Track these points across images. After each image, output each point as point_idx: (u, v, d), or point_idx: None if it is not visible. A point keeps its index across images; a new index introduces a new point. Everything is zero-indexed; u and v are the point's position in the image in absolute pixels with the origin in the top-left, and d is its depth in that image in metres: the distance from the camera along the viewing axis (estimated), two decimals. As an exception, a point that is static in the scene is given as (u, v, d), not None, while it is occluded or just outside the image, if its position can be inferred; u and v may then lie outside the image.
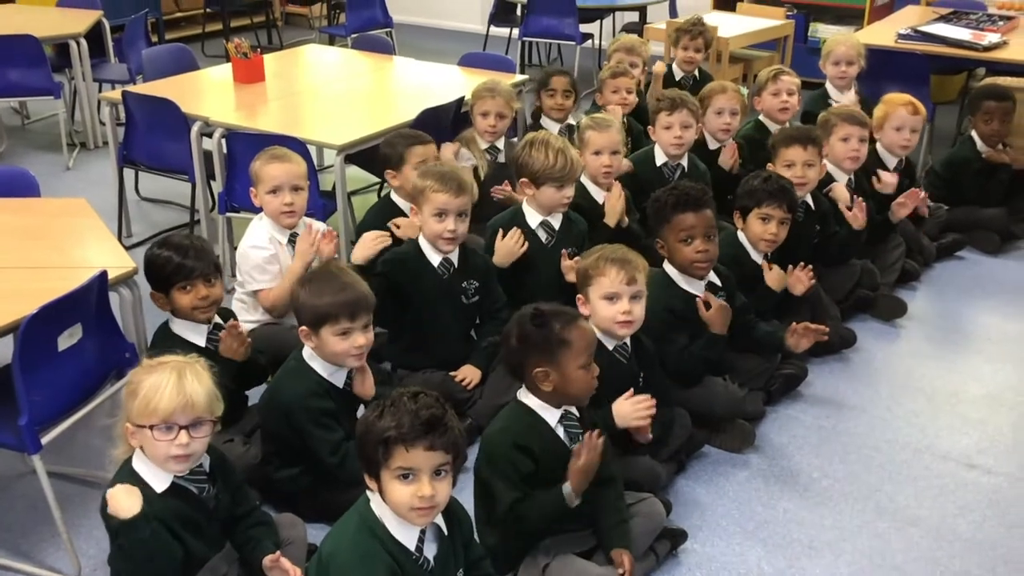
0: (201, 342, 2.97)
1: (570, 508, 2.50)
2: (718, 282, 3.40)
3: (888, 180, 4.44)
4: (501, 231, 3.54)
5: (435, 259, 3.38)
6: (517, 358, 2.56)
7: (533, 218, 3.64)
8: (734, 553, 2.85)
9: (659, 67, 5.38)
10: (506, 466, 2.49)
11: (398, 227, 3.56)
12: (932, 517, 3.00)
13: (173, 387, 2.18)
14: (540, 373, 2.51)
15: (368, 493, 2.12)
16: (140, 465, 2.27)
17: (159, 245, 2.94)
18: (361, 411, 2.81)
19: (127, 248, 4.74)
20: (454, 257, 3.40)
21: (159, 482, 2.27)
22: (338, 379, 2.84)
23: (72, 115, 6.55)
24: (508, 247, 3.51)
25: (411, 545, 2.08)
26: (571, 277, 3.45)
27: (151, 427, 2.19)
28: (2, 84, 5.67)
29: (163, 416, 2.18)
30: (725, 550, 2.86)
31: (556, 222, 3.66)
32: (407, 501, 2.01)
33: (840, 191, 4.21)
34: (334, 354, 2.78)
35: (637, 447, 2.98)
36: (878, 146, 4.57)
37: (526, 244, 3.50)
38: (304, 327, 2.77)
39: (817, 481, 3.17)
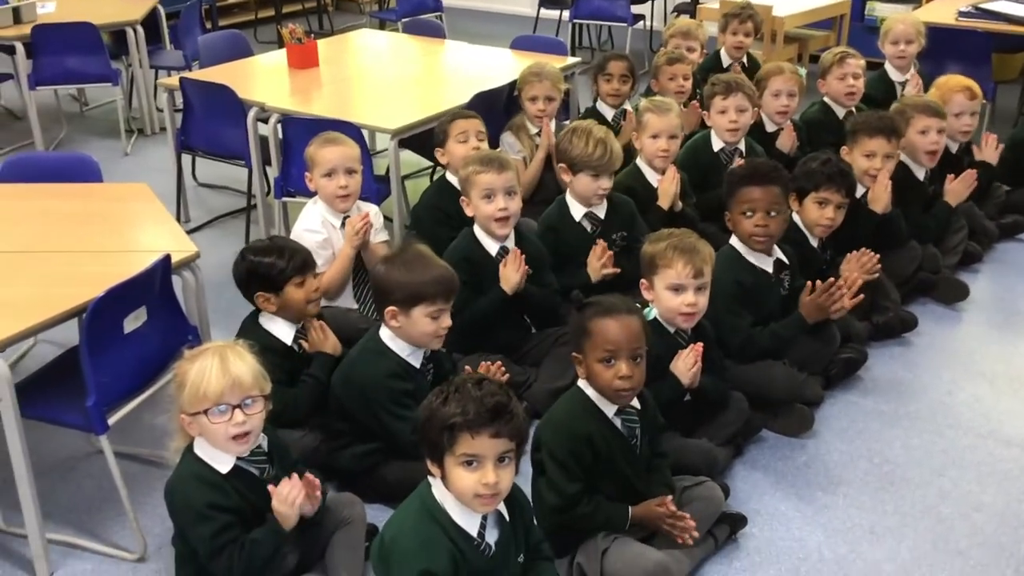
0: (288, 341, 3.02)
1: (626, 526, 2.55)
2: (786, 260, 3.38)
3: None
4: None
5: (493, 248, 3.38)
6: (572, 339, 2.60)
7: (577, 210, 3.66)
8: (794, 538, 2.82)
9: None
10: (566, 456, 2.49)
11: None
12: (996, 503, 2.96)
13: (218, 369, 2.24)
14: (576, 358, 2.54)
15: (430, 479, 2.12)
16: (202, 450, 2.32)
17: (254, 253, 3.01)
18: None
19: (186, 233, 4.90)
20: (510, 243, 3.39)
21: (223, 464, 2.31)
22: (415, 360, 2.87)
23: (129, 101, 6.65)
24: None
25: (473, 531, 2.09)
26: (597, 277, 3.54)
27: (205, 412, 2.24)
28: (61, 71, 5.76)
29: (214, 398, 2.23)
30: (785, 535, 2.84)
31: (601, 211, 3.66)
32: (471, 488, 2.02)
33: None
34: (423, 334, 2.80)
35: (693, 426, 3.00)
36: None
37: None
38: (392, 306, 2.77)
39: (878, 466, 3.13)
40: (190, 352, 2.32)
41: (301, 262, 2.98)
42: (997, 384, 3.56)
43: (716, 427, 3.07)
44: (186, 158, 5.11)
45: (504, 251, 3.38)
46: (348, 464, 2.92)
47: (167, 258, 2.80)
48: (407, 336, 2.83)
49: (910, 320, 3.87)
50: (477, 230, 3.39)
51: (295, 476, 2.38)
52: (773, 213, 3.24)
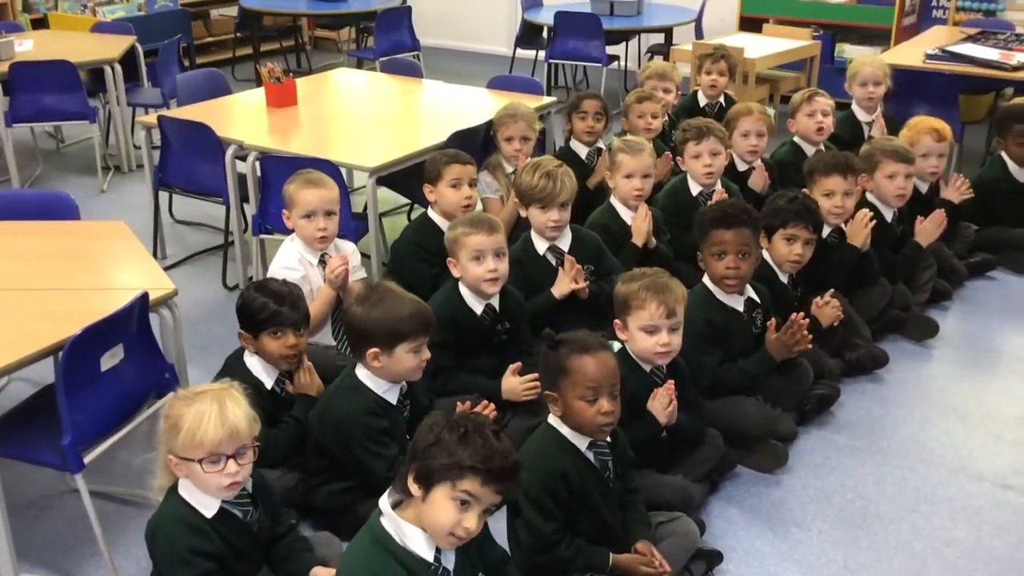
0: (269, 384, 3.02)
1: (607, 570, 2.57)
2: (757, 299, 3.42)
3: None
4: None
5: (478, 307, 3.38)
6: (542, 378, 2.62)
7: (541, 244, 3.72)
8: (769, 574, 2.84)
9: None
10: (541, 494, 2.50)
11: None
12: (968, 538, 2.99)
13: (216, 418, 2.20)
14: (550, 396, 2.55)
15: (382, 505, 2.13)
16: (187, 492, 2.30)
17: (256, 288, 3.02)
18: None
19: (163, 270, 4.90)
20: (495, 302, 3.41)
21: (208, 508, 2.29)
22: (392, 396, 2.89)
23: (107, 139, 6.66)
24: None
25: (429, 556, 2.09)
26: (564, 290, 3.59)
27: (199, 461, 2.22)
28: (38, 109, 5.77)
29: (210, 449, 2.21)
30: (760, 571, 2.85)
31: (564, 244, 3.71)
32: (449, 525, 2.03)
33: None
34: (405, 370, 2.83)
35: (668, 463, 3.03)
36: None
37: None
38: (375, 348, 2.78)
39: (851, 502, 3.16)
40: (185, 393, 2.30)
41: (284, 316, 2.94)
42: (968, 420, 3.61)
43: (691, 464, 3.09)
44: (164, 195, 5.11)
45: (489, 310, 3.40)
46: (325, 502, 2.92)
47: (144, 296, 2.81)
48: (390, 374, 2.85)
49: (881, 357, 3.92)
50: (462, 288, 3.39)
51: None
52: (744, 255, 3.29)
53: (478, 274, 3.31)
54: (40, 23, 8.30)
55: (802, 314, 3.31)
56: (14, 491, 2.99)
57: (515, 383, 3.32)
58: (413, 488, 2.06)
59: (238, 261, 4.64)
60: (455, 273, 3.38)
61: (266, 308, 2.95)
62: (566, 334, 2.62)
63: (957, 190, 4.60)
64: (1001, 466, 3.34)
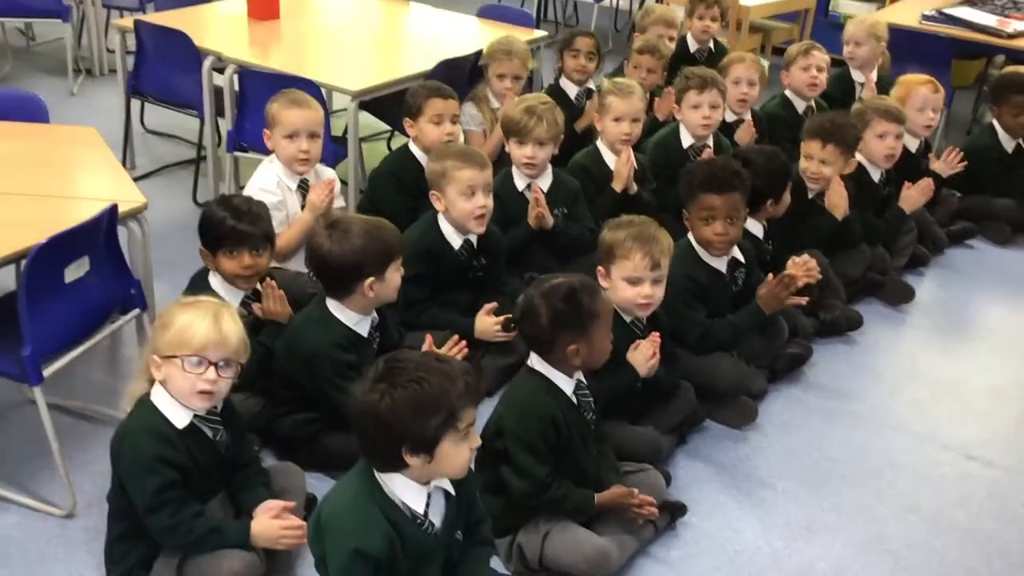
0: (235, 304, 2.91)
1: (594, 512, 2.58)
2: (741, 258, 3.38)
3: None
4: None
5: (456, 242, 3.32)
6: (547, 336, 2.52)
7: (520, 181, 3.66)
8: (731, 530, 2.84)
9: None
10: (535, 439, 2.48)
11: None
12: (930, 506, 3.00)
13: (210, 323, 2.21)
14: (572, 350, 2.50)
15: None
16: (161, 400, 2.26)
17: (218, 203, 2.92)
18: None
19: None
20: (473, 237, 3.34)
21: (179, 419, 2.26)
22: (363, 328, 2.84)
23: (79, 40, 6.43)
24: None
25: (419, 508, 2.05)
26: (533, 223, 3.56)
27: (182, 358, 2.19)
28: (9, 3, 5.58)
29: (196, 348, 2.20)
30: (722, 526, 2.85)
31: (544, 184, 3.66)
32: (466, 460, 2.04)
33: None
34: (392, 291, 2.82)
35: (639, 414, 3.00)
36: None
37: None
38: (371, 276, 2.73)
39: (817, 463, 3.16)
40: (185, 298, 2.32)
41: (240, 234, 2.82)
42: (936, 388, 3.62)
43: (662, 416, 3.07)
44: (135, 104, 4.95)
45: (467, 245, 3.33)
46: (289, 431, 2.87)
47: (114, 208, 2.72)
48: (377, 301, 2.82)
49: (856, 319, 3.90)
50: (442, 222, 3.31)
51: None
52: (733, 220, 3.23)
53: (468, 210, 3.23)
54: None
55: (798, 272, 3.29)
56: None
57: (489, 323, 3.27)
58: (413, 462, 1.98)
59: (210, 177, 4.52)
60: (438, 207, 3.29)
61: (223, 224, 2.84)
62: (567, 280, 2.54)
63: (948, 164, 4.55)
64: (967, 436, 3.35)
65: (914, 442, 3.30)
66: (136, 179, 4.70)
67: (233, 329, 2.25)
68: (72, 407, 3.05)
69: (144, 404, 2.28)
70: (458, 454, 1.99)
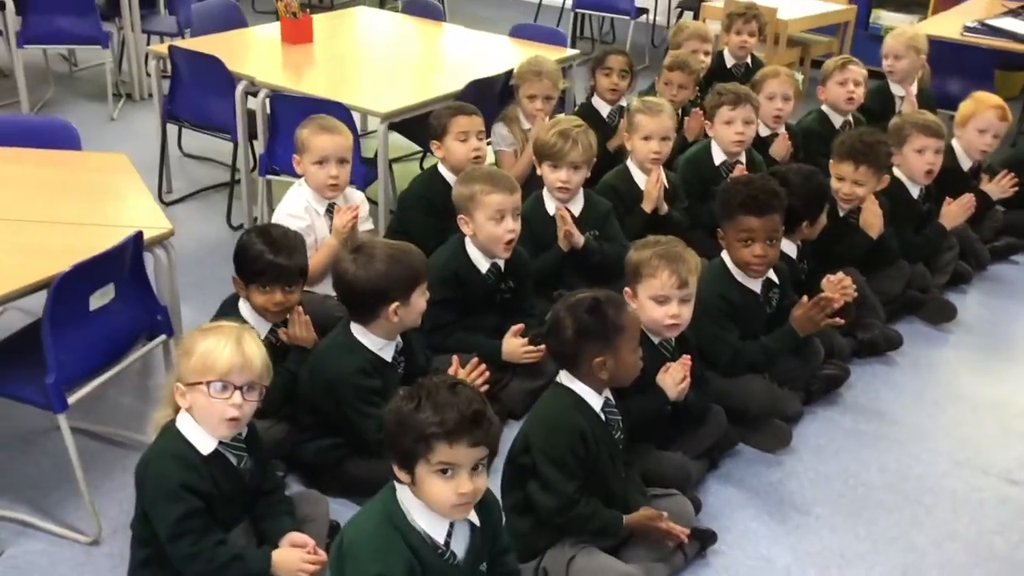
0: (263, 332, 2.93)
1: (622, 533, 2.55)
2: (776, 279, 3.32)
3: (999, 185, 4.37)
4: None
5: (484, 266, 3.30)
6: (572, 349, 2.51)
7: (551, 204, 3.62)
8: (763, 557, 2.77)
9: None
10: (564, 454, 2.45)
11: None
12: (969, 533, 2.91)
13: (233, 347, 2.22)
14: (599, 362, 2.48)
15: (395, 483, 2.06)
16: (186, 427, 2.26)
17: (258, 233, 2.91)
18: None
19: (166, 204, 4.83)
20: (501, 262, 3.32)
21: (204, 446, 2.26)
22: (387, 353, 2.82)
23: (119, 65, 6.54)
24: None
25: (440, 538, 2.03)
26: (564, 245, 3.52)
27: (207, 384, 2.20)
28: (51, 31, 5.65)
29: (221, 373, 2.20)
30: (754, 554, 2.79)
31: (576, 208, 3.62)
32: (448, 498, 1.96)
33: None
34: (417, 315, 2.82)
35: (668, 438, 2.95)
36: (955, 143, 4.43)
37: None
38: (396, 302, 2.72)
39: (853, 488, 3.08)
40: (205, 324, 2.33)
41: (277, 271, 2.82)
42: (979, 410, 3.52)
43: (693, 440, 3.02)
44: (173, 128, 5.01)
45: (495, 268, 3.30)
46: (313, 457, 2.86)
47: (139, 235, 2.73)
48: (402, 326, 2.81)
49: (895, 338, 3.81)
50: (469, 246, 3.29)
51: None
52: (772, 241, 3.17)
53: (496, 234, 3.21)
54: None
55: (833, 294, 3.21)
56: (0, 424, 2.95)
57: (516, 345, 3.24)
58: (402, 477, 1.99)
59: (243, 200, 4.55)
60: (466, 231, 3.27)
61: (261, 258, 2.83)
62: (592, 293, 2.53)
63: (1001, 187, 4.40)
64: (1008, 459, 3.25)
65: (954, 466, 3.21)
66: (172, 203, 4.84)
67: (256, 352, 2.26)
68: (101, 432, 3.06)
69: (169, 431, 2.28)
70: (436, 490, 1.95)
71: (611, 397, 2.60)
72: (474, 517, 2.10)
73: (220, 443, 2.29)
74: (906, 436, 3.35)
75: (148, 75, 6.02)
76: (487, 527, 2.15)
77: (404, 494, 2.04)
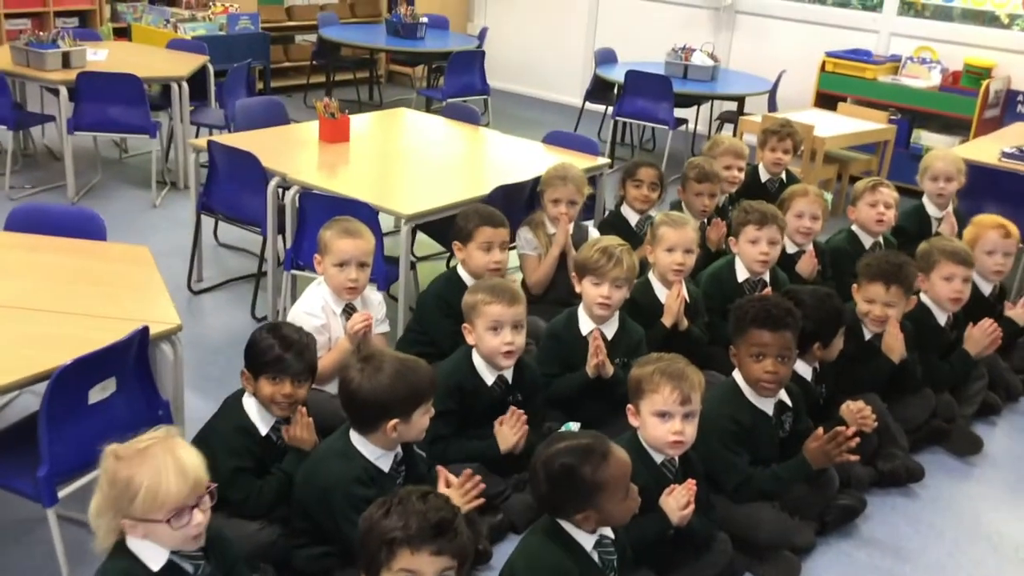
0: (264, 430, 2.94)
1: None
2: (789, 402, 3.24)
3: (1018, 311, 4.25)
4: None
5: (489, 378, 3.28)
6: (550, 504, 2.44)
7: (585, 325, 3.56)
8: None
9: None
10: None
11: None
12: None
13: (176, 473, 2.08)
14: (581, 518, 2.40)
15: None
16: (135, 544, 2.17)
17: (269, 330, 2.95)
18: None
19: (195, 293, 4.89)
20: (508, 374, 3.29)
21: (155, 562, 2.17)
22: (385, 463, 2.79)
23: (167, 155, 6.71)
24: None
25: None
26: (591, 372, 3.42)
27: (167, 521, 2.09)
28: (101, 119, 5.83)
29: (175, 506, 2.08)
30: None
31: (609, 331, 3.55)
32: None
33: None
34: (418, 433, 2.78)
35: (668, 565, 2.85)
36: None
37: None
38: (395, 418, 2.69)
39: (863, 629, 2.95)
40: (124, 451, 2.12)
41: (286, 364, 2.85)
42: (1002, 550, 3.37)
43: (694, 568, 2.91)
44: (211, 217, 5.09)
45: (501, 381, 3.28)
46: (304, 565, 2.80)
47: (145, 330, 2.74)
48: (400, 440, 2.78)
49: (917, 470, 3.68)
50: (475, 357, 3.28)
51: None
52: (784, 359, 3.11)
53: (494, 346, 3.20)
54: (124, 32, 8.49)
55: (852, 429, 3.11)
56: (-4, 512, 2.95)
57: (507, 432, 3.19)
58: None
59: (268, 293, 4.59)
60: (469, 340, 3.27)
61: (271, 351, 2.87)
62: (566, 446, 2.40)
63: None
64: (1032, 607, 3.10)
65: (972, 611, 3.06)
66: (200, 291, 4.90)
67: (196, 461, 2.13)
68: (94, 524, 3.03)
69: (117, 550, 2.17)
70: None
71: (608, 533, 2.48)
72: None
73: (172, 553, 2.18)
74: (923, 575, 3.21)
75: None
76: None
77: None
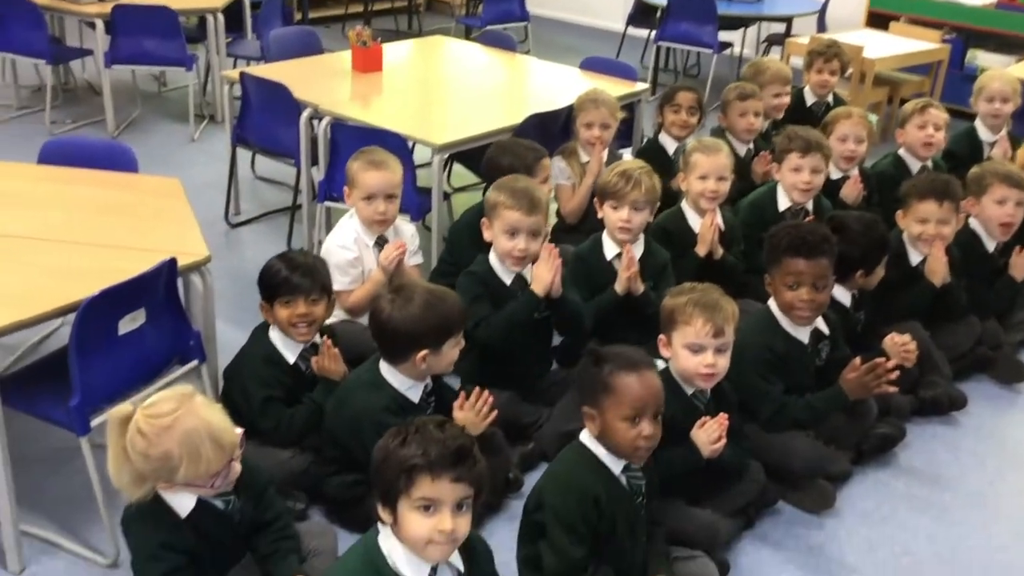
0: (291, 359, 2.95)
1: None
2: (826, 330, 3.18)
3: None
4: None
5: (507, 278, 3.26)
6: (577, 394, 2.46)
7: (610, 249, 3.51)
8: (792, 626, 2.64)
9: None
10: (575, 519, 2.34)
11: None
12: (1023, 615, 2.73)
13: (211, 442, 2.09)
14: (588, 413, 2.39)
15: (379, 526, 2.02)
16: (165, 493, 2.20)
17: (279, 257, 2.98)
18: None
19: (232, 226, 4.90)
20: (527, 274, 3.27)
21: (184, 506, 2.20)
22: (414, 394, 2.79)
23: (204, 87, 6.70)
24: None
25: None
26: (621, 288, 3.39)
27: (209, 484, 2.14)
28: (137, 52, 5.82)
29: (214, 471, 2.12)
30: (782, 622, 2.65)
31: (636, 252, 3.49)
32: (426, 534, 1.92)
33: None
34: (448, 364, 2.78)
35: (700, 493, 2.83)
36: None
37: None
38: (425, 349, 2.68)
39: (898, 557, 2.91)
40: (147, 423, 2.07)
41: (294, 284, 2.86)
42: (1046, 479, 3.31)
43: (727, 497, 2.89)
44: (247, 150, 5.08)
45: (520, 281, 3.27)
46: (335, 492, 2.84)
47: (172, 261, 2.75)
48: (430, 372, 2.78)
49: (959, 398, 3.61)
50: (493, 259, 3.27)
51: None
52: (820, 287, 3.03)
53: (507, 248, 3.21)
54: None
55: (892, 361, 3.03)
56: (34, 443, 3.00)
57: (541, 269, 3.17)
58: (385, 516, 1.96)
59: (304, 225, 4.58)
60: (486, 236, 3.27)
61: (279, 275, 2.90)
62: (610, 348, 2.45)
63: None
64: (1075, 536, 3.04)
65: (1011, 538, 3.01)
66: (237, 224, 4.91)
67: (224, 422, 2.15)
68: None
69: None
70: (415, 527, 1.92)
71: None
72: (459, 561, 2.05)
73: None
74: (962, 503, 3.16)
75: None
76: (474, 574, 2.09)
77: (386, 538, 2.00)
